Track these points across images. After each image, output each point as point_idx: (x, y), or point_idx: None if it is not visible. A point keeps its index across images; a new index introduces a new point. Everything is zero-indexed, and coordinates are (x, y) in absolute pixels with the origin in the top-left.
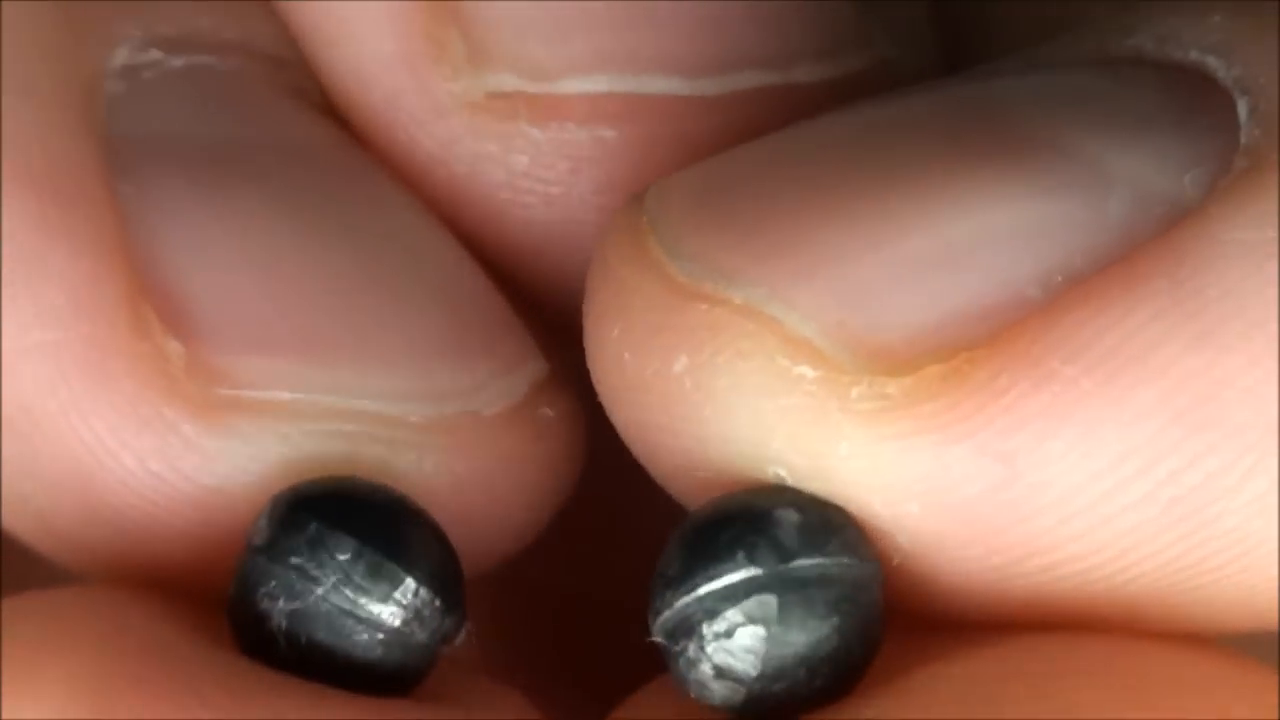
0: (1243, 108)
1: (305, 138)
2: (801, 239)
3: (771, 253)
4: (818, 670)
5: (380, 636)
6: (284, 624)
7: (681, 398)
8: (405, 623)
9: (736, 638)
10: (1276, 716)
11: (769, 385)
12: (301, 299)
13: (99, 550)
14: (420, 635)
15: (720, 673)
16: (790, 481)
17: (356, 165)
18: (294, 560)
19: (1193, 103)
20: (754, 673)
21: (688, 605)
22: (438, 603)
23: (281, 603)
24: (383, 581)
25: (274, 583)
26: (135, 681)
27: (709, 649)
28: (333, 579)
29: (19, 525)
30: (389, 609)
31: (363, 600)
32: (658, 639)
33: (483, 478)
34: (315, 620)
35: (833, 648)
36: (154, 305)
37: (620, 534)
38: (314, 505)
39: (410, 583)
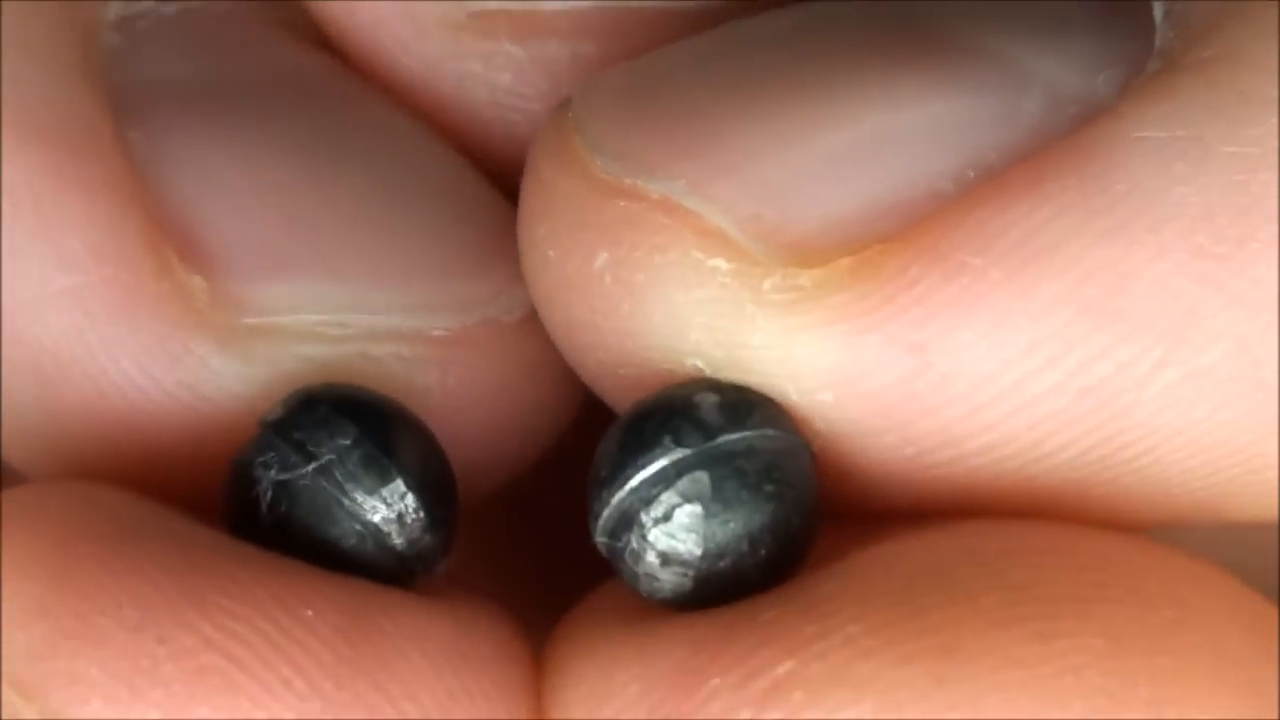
0: (1158, 10)
1: (302, 69)
2: (720, 134)
3: (690, 147)
4: (760, 541)
5: (357, 527)
6: (269, 493)
7: (602, 293)
8: (385, 521)
9: (675, 519)
10: (1223, 605)
11: (684, 278)
12: (316, 222)
13: (124, 481)
14: (397, 540)
15: (666, 559)
16: (708, 373)
17: (353, 91)
18: (297, 435)
19: (1111, 6)
20: (698, 551)
21: (623, 499)
22: (422, 515)
23: (273, 472)
24: (373, 474)
25: (272, 453)
26: (96, 558)
27: (650, 536)
28: (327, 458)
29: (36, 466)
30: (372, 502)
31: (349, 486)
32: (600, 540)
33: (505, 386)
34: (299, 494)
35: (770, 517)
36: (173, 244)
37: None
38: (329, 395)
39: (400, 485)
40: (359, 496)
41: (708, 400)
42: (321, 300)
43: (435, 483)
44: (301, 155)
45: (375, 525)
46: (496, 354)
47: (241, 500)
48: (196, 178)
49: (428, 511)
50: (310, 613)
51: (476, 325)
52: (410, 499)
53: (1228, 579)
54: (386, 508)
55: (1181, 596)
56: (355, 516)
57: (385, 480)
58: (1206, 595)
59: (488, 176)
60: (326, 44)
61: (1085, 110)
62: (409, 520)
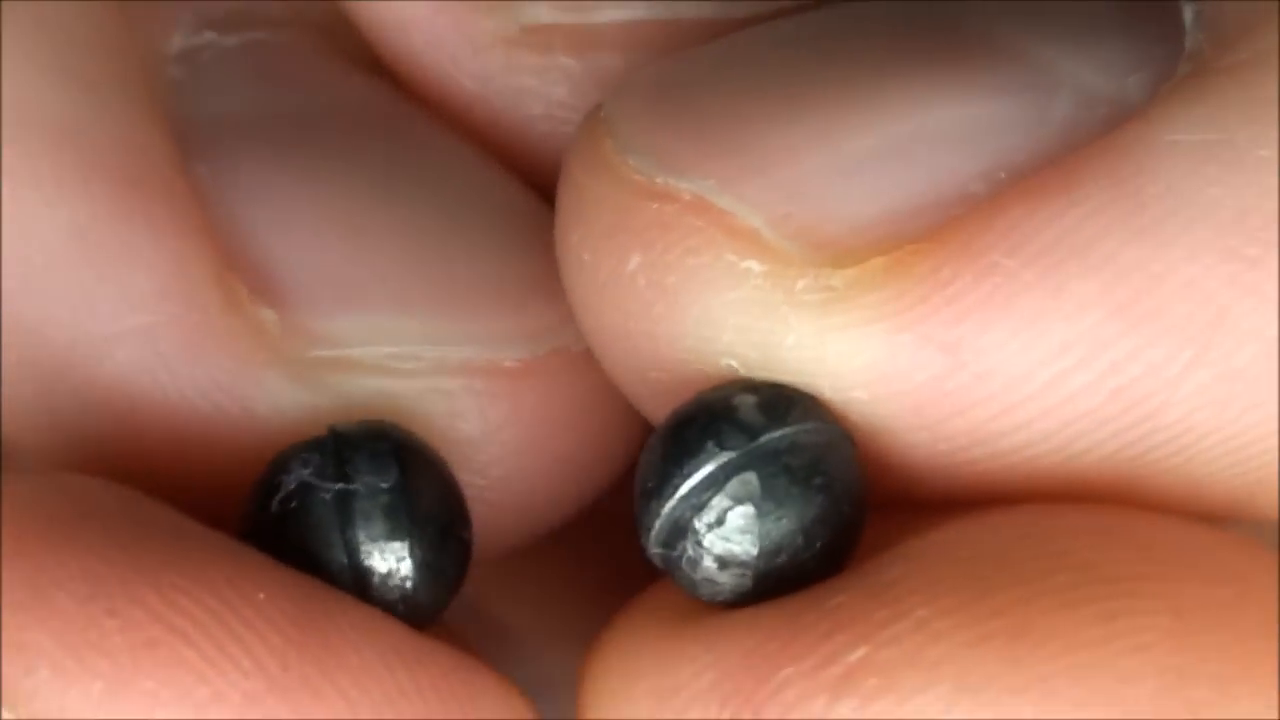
0: (1189, 13)
1: (363, 99)
2: (752, 133)
3: (722, 147)
4: (814, 534)
5: (344, 560)
6: (292, 485)
7: (634, 296)
8: (373, 571)
9: (729, 522)
10: (1277, 583)
11: (718, 280)
12: (385, 253)
13: (183, 502)
14: (375, 591)
15: (723, 562)
16: (742, 373)
17: (415, 120)
18: (346, 453)
19: (1141, 8)
20: (755, 550)
21: (674, 508)
22: (409, 585)
23: (307, 471)
24: (387, 525)
25: (317, 456)
26: (57, 537)
27: (706, 541)
28: (357, 488)
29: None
30: (370, 548)
31: (360, 522)
32: (654, 552)
33: (576, 417)
34: (313, 503)
35: (822, 509)
36: (242, 278)
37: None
38: (398, 436)
39: (404, 548)
40: (362, 536)
41: (746, 401)
42: (393, 332)
43: (439, 568)
44: (367, 186)
45: (363, 568)
46: (567, 384)
47: (267, 482)
48: (264, 210)
49: (415, 587)
50: (263, 596)
51: (548, 355)
52: (407, 565)
53: (1274, 556)
54: (381, 560)
55: (1239, 573)
56: (350, 551)
57: (394, 537)
58: (1261, 572)
59: (540, 191)
60: (381, 69)
61: (1115, 112)
62: (393, 583)
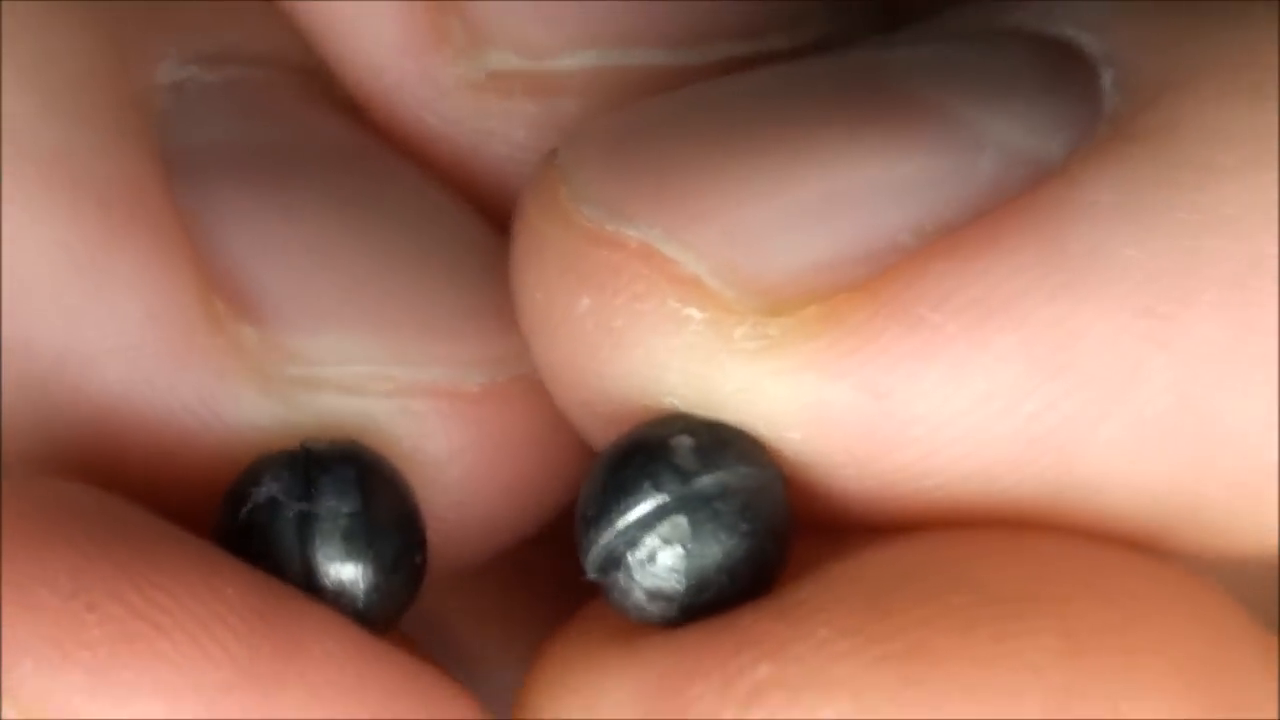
0: (1107, 78)
1: (338, 136)
2: (698, 185)
3: (669, 197)
4: (738, 573)
5: (301, 574)
6: (260, 498)
7: (584, 337)
8: (325, 589)
9: (659, 560)
10: (1180, 602)
11: (661, 326)
12: (358, 278)
13: (168, 514)
14: (327, 605)
15: (651, 595)
16: (684, 409)
17: (384, 156)
18: (314, 473)
19: (1062, 74)
20: (680, 588)
21: (610, 541)
22: (358, 607)
23: (275, 486)
24: (344, 549)
25: (285, 472)
26: (40, 537)
27: (637, 576)
28: (319, 511)
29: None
30: (325, 568)
31: (319, 542)
32: (591, 575)
33: (534, 442)
34: (276, 518)
35: (747, 551)
36: (223, 297)
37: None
38: (367, 464)
39: (359, 572)
40: (319, 557)
41: (683, 443)
42: (365, 352)
43: (390, 590)
44: (341, 215)
45: (318, 585)
46: (526, 409)
47: (237, 492)
48: (246, 234)
49: (367, 606)
50: (231, 591)
51: (509, 381)
52: (359, 587)
53: (1190, 578)
54: (334, 579)
55: (1137, 593)
56: (306, 568)
57: (350, 560)
58: (1163, 592)
59: (502, 225)
60: (355, 108)
61: (1037, 171)
62: (345, 600)
